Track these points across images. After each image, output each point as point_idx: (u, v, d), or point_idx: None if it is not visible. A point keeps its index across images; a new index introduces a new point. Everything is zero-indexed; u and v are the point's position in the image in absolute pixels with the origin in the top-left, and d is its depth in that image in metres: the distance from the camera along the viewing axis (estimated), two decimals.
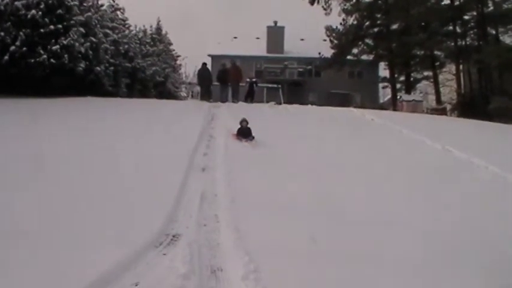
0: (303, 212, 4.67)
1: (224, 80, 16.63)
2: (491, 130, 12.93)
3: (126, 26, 23.01)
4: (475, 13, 23.41)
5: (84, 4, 17.41)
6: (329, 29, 27.01)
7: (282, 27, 31.43)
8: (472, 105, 20.77)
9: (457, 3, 23.43)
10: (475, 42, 23.91)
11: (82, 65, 15.35)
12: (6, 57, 13.57)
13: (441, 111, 21.15)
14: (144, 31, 26.99)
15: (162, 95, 24.57)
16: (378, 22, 27.05)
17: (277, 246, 3.68)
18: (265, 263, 3.31)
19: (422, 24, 24.71)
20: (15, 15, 13.98)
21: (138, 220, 4.07)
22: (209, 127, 10.03)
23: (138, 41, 23.64)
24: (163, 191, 4.98)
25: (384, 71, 29.31)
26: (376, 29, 27.23)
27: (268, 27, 31.99)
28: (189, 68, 41.26)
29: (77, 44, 15.02)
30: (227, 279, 3.21)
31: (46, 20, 14.35)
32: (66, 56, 14.49)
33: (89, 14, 16.92)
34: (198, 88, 20.09)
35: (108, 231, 3.76)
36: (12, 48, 13.65)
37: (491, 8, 22.66)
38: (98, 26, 17.78)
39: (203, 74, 16.97)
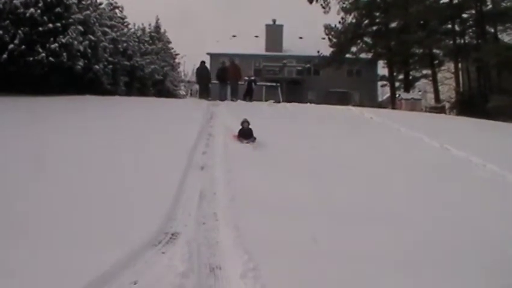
0: (303, 210, 4.66)
1: (223, 78, 16.62)
2: (489, 128, 12.93)
3: (125, 24, 22.89)
4: (473, 11, 23.41)
5: (83, 2, 17.31)
6: (328, 28, 26.99)
7: (281, 26, 31.38)
8: (470, 104, 20.78)
9: (455, 1, 23.37)
10: (474, 40, 23.91)
11: (81, 63, 15.28)
12: (4, 56, 13.51)
13: (440, 110, 21.18)
14: (143, 29, 26.88)
15: (160, 93, 24.48)
16: (377, 20, 27.03)
17: (277, 245, 3.67)
18: (264, 261, 3.30)
19: (421, 22, 24.68)
20: (13, 13, 13.93)
21: (136, 218, 4.07)
22: (208, 125, 10.02)
23: (136, 39, 23.53)
24: (162, 189, 4.97)
25: (382, 69, 29.36)
26: (374, 28, 27.21)
27: (267, 26, 31.94)
28: (187, 66, 41.19)
29: (75, 42, 14.96)
30: (226, 278, 3.20)
31: (45, 18, 14.29)
32: (64, 54, 14.43)
33: (88, 12, 16.84)
34: (196, 86, 20.04)
35: (106, 229, 3.76)
36: (11, 46, 13.59)
37: (490, 6, 22.70)
38: (97, 24, 17.70)
39: (202, 72, 16.97)
